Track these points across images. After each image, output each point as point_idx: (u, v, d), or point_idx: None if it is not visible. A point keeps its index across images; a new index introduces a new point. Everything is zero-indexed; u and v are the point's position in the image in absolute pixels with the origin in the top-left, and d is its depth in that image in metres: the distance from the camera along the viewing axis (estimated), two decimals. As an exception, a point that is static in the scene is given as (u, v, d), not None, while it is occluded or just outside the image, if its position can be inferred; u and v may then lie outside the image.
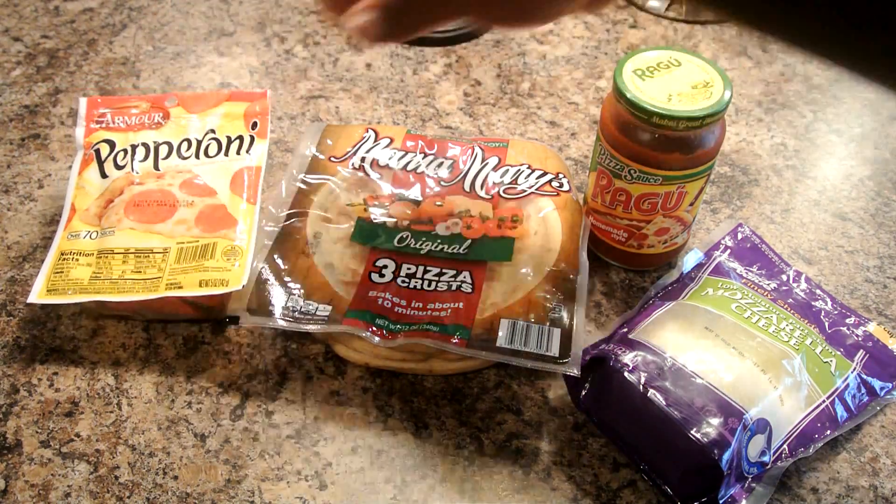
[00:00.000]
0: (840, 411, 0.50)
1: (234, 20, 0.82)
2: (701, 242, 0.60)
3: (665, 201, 0.54)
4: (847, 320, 0.54)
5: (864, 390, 0.51)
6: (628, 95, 0.50)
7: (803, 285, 0.57)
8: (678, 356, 0.48)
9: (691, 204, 0.55)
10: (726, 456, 0.44)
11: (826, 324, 0.54)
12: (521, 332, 0.50)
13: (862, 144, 0.72)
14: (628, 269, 0.60)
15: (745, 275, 0.56)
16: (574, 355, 0.49)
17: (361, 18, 0.41)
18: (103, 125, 0.61)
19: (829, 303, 0.55)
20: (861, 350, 0.53)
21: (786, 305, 0.54)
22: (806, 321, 0.53)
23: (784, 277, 0.57)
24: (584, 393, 0.51)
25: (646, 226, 0.56)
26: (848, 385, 0.50)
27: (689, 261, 0.58)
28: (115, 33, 0.80)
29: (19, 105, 0.72)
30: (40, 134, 0.69)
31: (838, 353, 0.52)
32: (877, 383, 0.51)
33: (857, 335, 0.53)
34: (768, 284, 0.56)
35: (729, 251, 0.59)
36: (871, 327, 0.54)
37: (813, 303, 0.55)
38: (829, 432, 0.49)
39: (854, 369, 0.51)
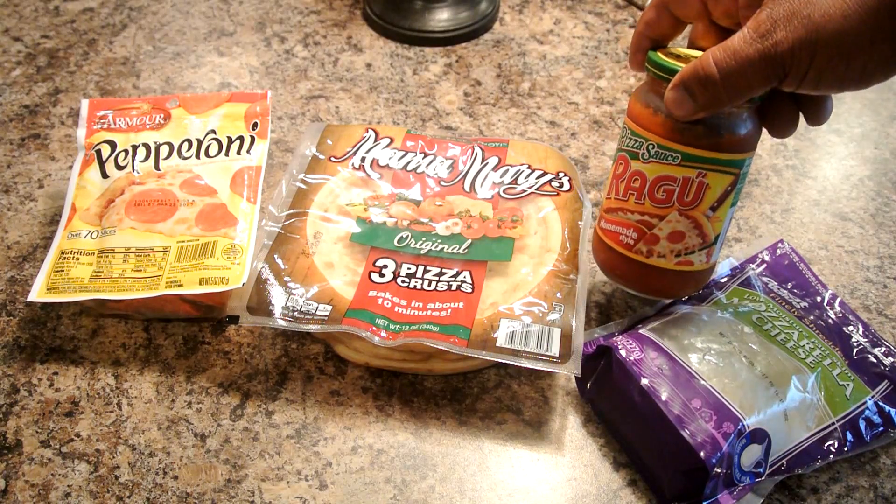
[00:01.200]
0: (850, 437, 0.49)
1: (234, 20, 0.82)
2: (737, 254, 0.59)
3: (682, 191, 0.49)
4: (877, 349, 0.53)
5: (880, 419, 0.50)
6: (655, 59, 0.48)
7: (837, 309, 0.56)
8: (684, 356, 0.48)
9: (713, 208, 0.49)
10: (715, 458, 0.44)
11: (854, 349, 0.53)
12: (521, 332, 0.50)
13: (862, 144, 0.72)
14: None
15: (776, 290, 0.56)
16: (574, 355, 0.49)
17: (673, 95, 0.45)
18: (105, 126, 0.62)
19: (861, 329, 0.54)
20: (886, 380, 0.52)
21: (812, 325, 0.53)
22: (830, 343, 0.52)
23: (818, 299, 0.56)
24: (589, 383, 0.51)
25: (658, 223, 0.50)
26: (863, 412, 0.50)
27: (722, 267, 0.57)
28: (115, 33, 0.80)
29: (19, 105, 0.72)
30: (40, 134, 0.69)
31: (859, 379, 0.51)
32: None
33: (885, 365, 0.52)
34: (798, 303, 0.55)
35: (765, 265, 0.58)
36: None
37: (844, 327, 0.54)
38: (832, 456, 0.48)
39: (872, 397, 0.50)
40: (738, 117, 0.48)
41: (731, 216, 0.52)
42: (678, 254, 0.51)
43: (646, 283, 0.53)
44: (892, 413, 0.50)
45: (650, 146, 0.49)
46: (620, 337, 0.50)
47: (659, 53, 0.49)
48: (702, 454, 0.44)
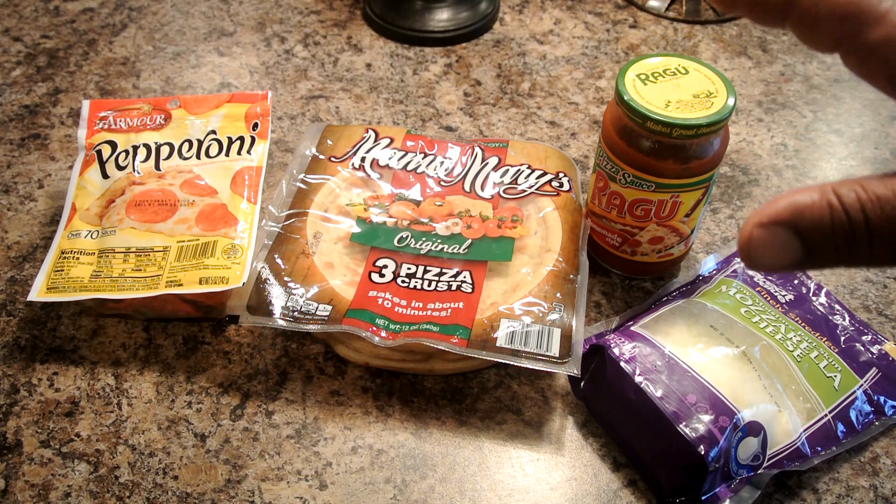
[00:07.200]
0: (840, 427, 0.49)
1: (234, 20, 0.82)
2: (721, 249, 0.60)
3: (658, 209, 0.53)
4: (863, 337, 0.54)
5: (870, 408, 0.50)
6: (625, 97, 0.50)
7: (822, 299, 0.56)
8: (677, 351, 0.48)
9: (687, 215, 0.54)
10: (713, 453, 0.44)
11: (841, 339, 0.53)
12: (521, 332, 0.50)
13: (862, 144, 0.72)
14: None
15: (761, 283, 0.56)
16: (574, 355, 0.49)
17: (766, 237, 0.28)
18: (105, 127, 0.62)
19: (847, 318, 0.55)
20: (874, 368, 0.52)
21: (797, 318, 0.53)
22: (817, 334, 0.53)
23: (803, 290, 0.57)
24: (583, 382, 0.51)
25: (639, 232, 0.55)
26: (853, 402, 0.50)
27: (707, 263, 0.58)
28: (115, 33, 0.80)
29: (19, 105, 0.72)
30: (40, 134, 0.69)
31: (848, 368, 0.51)
32: (886, 402, 0.51)
33: (872, 353, 0.53)
34: (783, 296, 0.55)
35: None
36: (886, 346, 0.53)
37: (830, 317, 0.55)
38: (826, 448, 0.48)
39: (861, 386, 0.51)
40: (706, 143, 0.50)
41: (705, 211, 0.57)
42: (659, 251, 0.57)
43: (632, 270, 0.60)
44: (882, 400, 0.51)
45: (625, 174, 0.53)
46: (613, 335, 0.50)
47: (634, 84, 0.51)
48: (700, 449, 0.44)
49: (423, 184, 0.60)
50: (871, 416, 0.50)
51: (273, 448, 0.50)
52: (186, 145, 0.61)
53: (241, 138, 0.62)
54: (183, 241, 0.55)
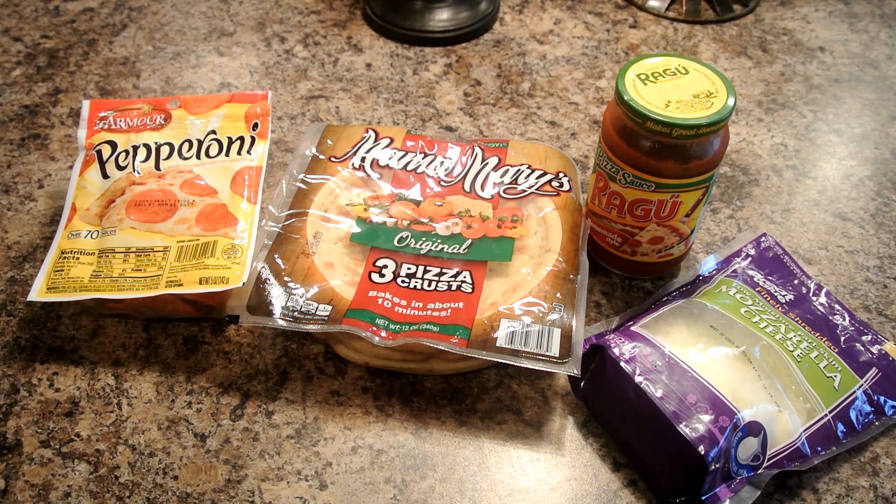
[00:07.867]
0: (840, 427, 0.49)
1: (234, 20, 0.82)
2: (721, 249, 0.60)
3: (658, 209, 0.54)
4: (863, 337, 0.54)
5: (870, 408, 0.50)
6: (625, 97, 0.50)
7: (822, 299, 0.56)
8: (677, 351, 0.48)
9: (687, 215, 0.54)
10: (713, 453, 0.44)
11: (841, 339, 0.53)
12: (521, 332, 0.50)
13: (862, 144, 0.72)
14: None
15: (761, 283, 0.56)
16: (574, 355, 0.49)
17: None
18: (106, 127, 0.62)
19: (847, 318, 0.55)
20: (874, 368, 0.52)
21: (797, 318, 0.53)
22: (817, 334, 0.53)
23: (803, 290, 0.57)
24: (583, 382, 0.51)
25: (639, 232, 0.55)
26: (853, 401, 0.50)
27: (707, 263, 0.58)
28: (115, 33, 0.80)
29: (19, 105, 0.72)
30: (40, 134, 0.69)
31: (848, 368, 0.51)
32: (886, 402, 0.51)
33: (872, 353, 0.53)
34: (783, 296, 0.55)
35: (750, 259, 0.58)
36: (886, 346, 0.53)
37: (830, 317, 0.55)
38: (826, 448, 0.48)
39: (861, 386, 0.51)
40: (706, 143, 0.50)
41: (705, 211, 0.57)
42: (659, 251, 0.57)
43: (632, 270, 0.59)
44: (882, 401, 0.51)
45: (626, 174, 0.53)
46: (613, 335, 0.50)
47: (634, 84, 0.51)
48: (700, 449, 0.44)
49: (423, 184, 0.60)
50: (871, 416, 0.50)
51: (273, 448, 0.50)
52: (186, 145, 0.61)
53: (241, 138, 0.62)
54: (183, 241, 0.55)
